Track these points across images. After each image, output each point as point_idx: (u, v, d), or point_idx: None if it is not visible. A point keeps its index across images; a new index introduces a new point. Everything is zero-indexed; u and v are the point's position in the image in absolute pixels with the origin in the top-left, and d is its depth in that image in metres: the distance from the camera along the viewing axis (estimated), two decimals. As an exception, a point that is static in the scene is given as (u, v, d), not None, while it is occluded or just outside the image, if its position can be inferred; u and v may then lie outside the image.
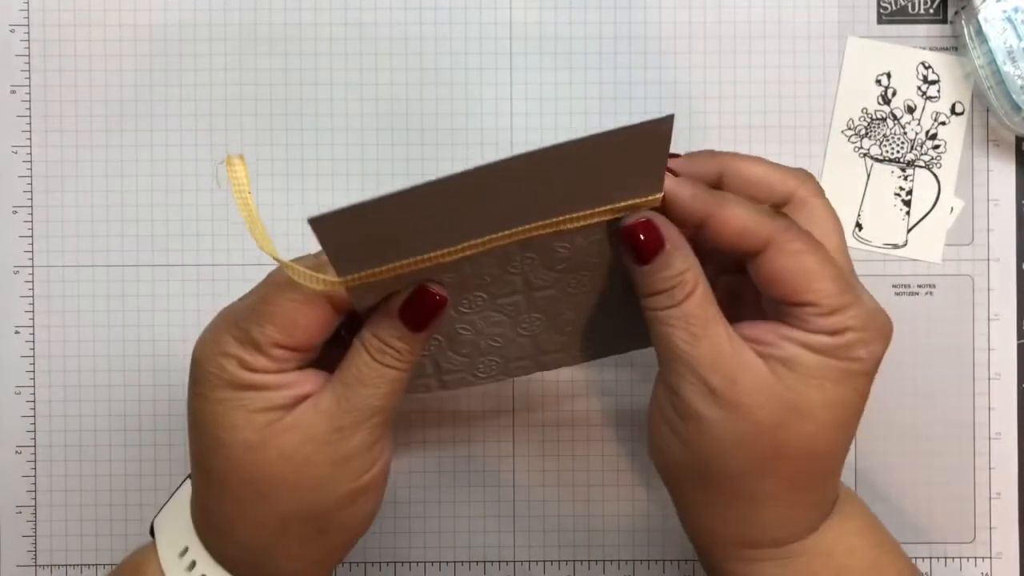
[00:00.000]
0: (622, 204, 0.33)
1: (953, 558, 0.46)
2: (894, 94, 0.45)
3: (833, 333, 0.33)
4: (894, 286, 0.45)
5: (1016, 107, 0.43)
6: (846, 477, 0.37)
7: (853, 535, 0.36)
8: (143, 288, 0.45)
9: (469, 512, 0.46)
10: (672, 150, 0.32)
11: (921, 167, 0.45)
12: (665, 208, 0.33)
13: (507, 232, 0.32)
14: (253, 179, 0.44)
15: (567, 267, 0.34)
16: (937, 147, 0.45)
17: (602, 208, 0.32)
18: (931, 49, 0.45)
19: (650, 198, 0.33)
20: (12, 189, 0.45)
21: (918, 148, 0.45)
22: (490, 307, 0.35)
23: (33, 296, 0.45)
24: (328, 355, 0.35)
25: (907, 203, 0.45)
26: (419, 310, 0.33)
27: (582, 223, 0.33)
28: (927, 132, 0.45)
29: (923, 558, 0.45)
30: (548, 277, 0.34)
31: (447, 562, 0.46)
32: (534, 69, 0.45)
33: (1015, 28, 0.43)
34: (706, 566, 0.38)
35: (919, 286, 0.45)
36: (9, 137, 0.45)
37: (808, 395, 0.33)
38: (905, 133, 0.45)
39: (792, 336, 0.33)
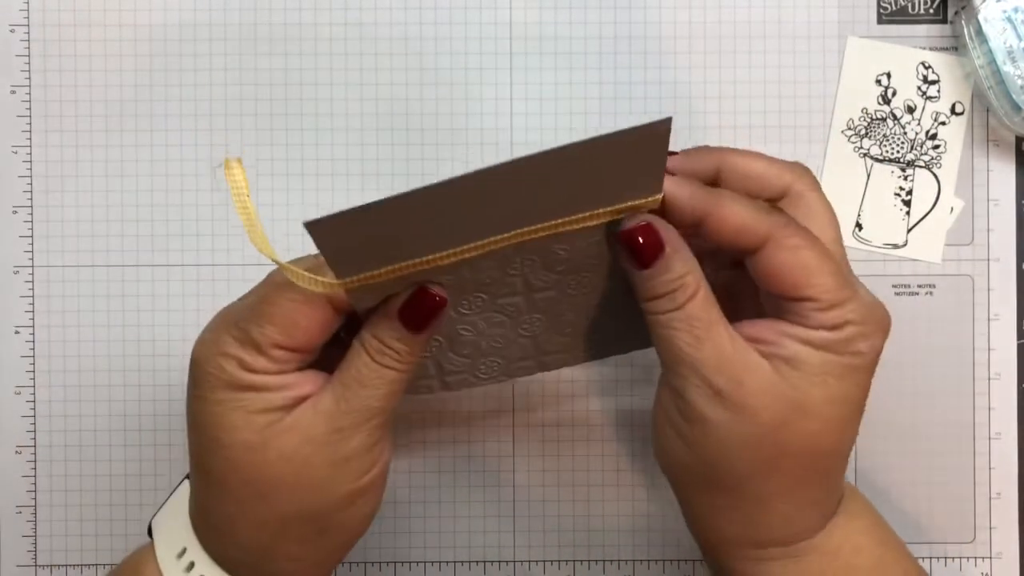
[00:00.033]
0: (622, 206, 0.33)
1: (953, 558, 0.46)
2: (894, 94, 0.45)
3: (833, 328, 0.33)
4: (894, 286, 0.45)
5: (1016, 107, 0.43)
6: (846, 477, 0.37)
7: (859, 534, 0.36)
8: (143, 288, 0.45)
9: (469, 512, 0.46)
10: (671, 149, 0.32)
11: (921, 167, 0.45)
12: (663, 208, 0.33)
13: (506, 235, 0.32)
14: (253, 179, 0.45)
15: (567, 269, 0.34)
16: (937, 147, 0.45)
17: (601, 210, 0.32)
18: (931, 49, 0.45)
19: (650, 199, 0.33)
20: (12, 189, 0.45)
21: (918, 148, 0.45)
22: (490, 308, 0.35)
23: (33, 296, 0.45)
24: (327, 356, 0.34)
25: (907, 203, 0.45)
26: (418, 311, 0.33)
27: (581, 225, 0.33)
28: (927, 132, 0.45)
29: (923, 558, 0.45)
30: (548, 279, 0.34)
31: (447, 562, 0.46)
32: (534, 69, 0.45)
33: (1015, 28, 0.43)
34: (712, 566, 0.38)
35: (919, 286, 0.45)
36: (9, 137, 0.45)
37: (812, 393, 0.33)
38: (905, 133, 0.45)
39: (793, 333, 0.33)
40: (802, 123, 0.45)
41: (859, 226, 0.45)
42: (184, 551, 0.36)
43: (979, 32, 0.43)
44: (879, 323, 0.34)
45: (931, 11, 0.45)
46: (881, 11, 0.45)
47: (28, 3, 0.45)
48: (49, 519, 0.45)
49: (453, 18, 0.45)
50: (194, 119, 0.45)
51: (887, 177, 0.45)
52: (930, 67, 0.45)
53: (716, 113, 0.45)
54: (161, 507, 0.38)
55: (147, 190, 0.45)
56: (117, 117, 0.45)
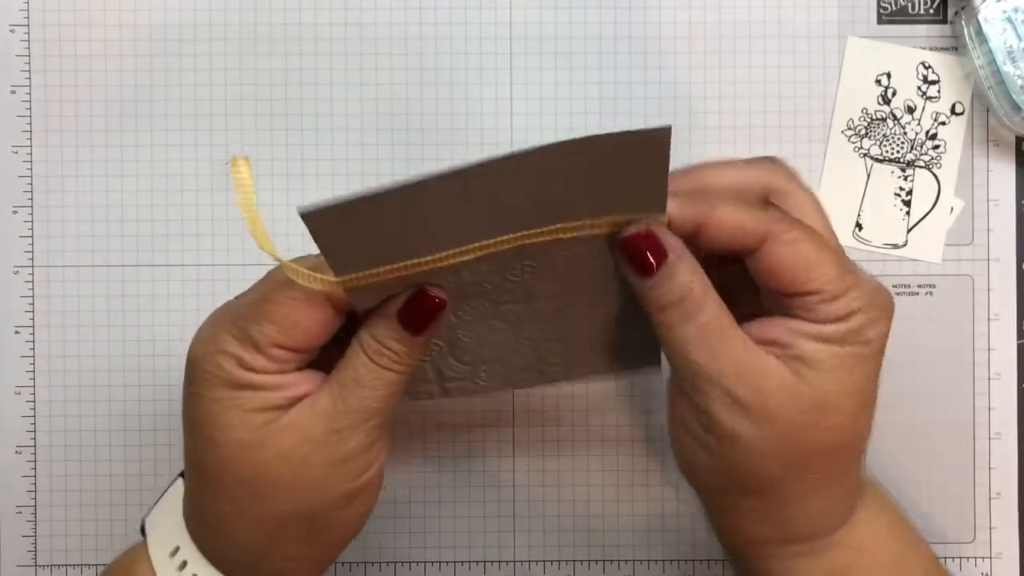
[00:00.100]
0: (622, 218, 0.32)
1: (953, 558, 0.46)
2: (894, 94, 0.45)
3: (841, 319, 0.33)
4: (894, 286, 0.45)
5: (1016, 107, 0.43)
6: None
7: (883, 529, 0.36)
8: (143, 288, 0.45)
9: (469, 512, 0.46)
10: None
11: (921, 167, 0.45)
12: None
13: (504, 238, 0.32)
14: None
15: (568, 278, 0.34)
16: (937, 147, 0.45)
17: (602, 219, 0.32)
18: (931, 49, 0.45)
19: (654, 217, 0.32)
20: (12, 189, 0.45)
21: (918, 148, 0.45)
22: (491, 315, 0.35)
23: (33, 296, 0.45)
24: (325, 356, 0.34)
25: (907, 203, 0.45)
26: (417, 313, 0.33)
27: (581, 233, 0.32)
28: (927, 132, 0.45)
29: (923, 558, 0.46)
30: (549, 288, 0.34)
31: (447, 562, 0.46)
32: (534, 69, 0.45)
33: (1015, 28, 0.43)
34: (738, 565, 0.37)
35: (919, 286, 0.45)
36: (9, 137, 0.45)
37: (830, 389, 0.33)
38: (905, 133, 0.45)
39: (803, 330, 0.33)
40: (802, 123, 0.45)
41: (859, 226, 0.45)
42: (177, 550, 0.36)
43: (979, 32, 0.43)
44: (884, 307, 0.34)
45: (931, 11, 0.45)
46: (881, 11, 0.45)
47: (28, 3, 0.45)
48: (49, 519, 0.45)
49: (453, 18, 0.45)
50: (194, 119, 0.45)
51: (887, 177, 0.45)
52: (930, 67, 0.45)
53: (716, 113, 0.45)
54: (154, 505, 0.38)
55: (147, 190, 0.45)
56: (117, 117, 0.45)
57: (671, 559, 0.46)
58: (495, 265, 0.33)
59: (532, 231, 0.32)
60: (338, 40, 0.45)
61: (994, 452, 0.45)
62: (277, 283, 0.33)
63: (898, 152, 0.45)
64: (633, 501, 0.46)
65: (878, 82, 0.45)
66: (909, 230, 0.46)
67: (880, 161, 0.45)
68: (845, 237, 0.45)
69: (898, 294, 0.45)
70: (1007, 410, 0.45)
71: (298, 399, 0.34)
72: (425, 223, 0.31)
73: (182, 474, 0.38)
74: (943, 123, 0.45)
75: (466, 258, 0.32)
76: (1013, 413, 0.46)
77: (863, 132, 0.45)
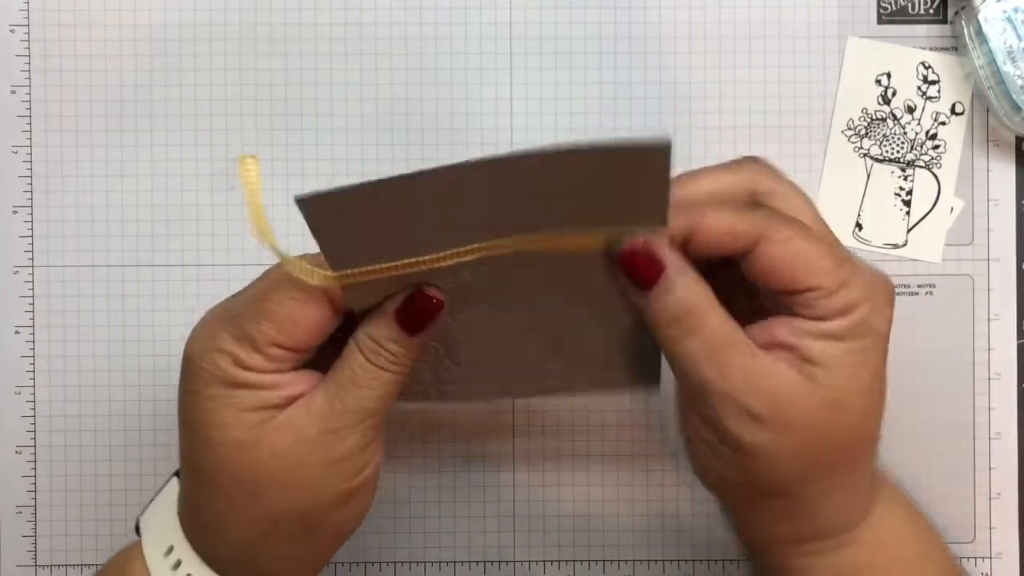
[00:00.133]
0: (621, 230, 0.32)
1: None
2: (894, 94, 0.45)
3: (843, 312, 0.32)
4: (894, 286, 0.45)
5: (1016, 107, 0.43)
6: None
7: (903, 526, 0.36)
8: (143, 288, 0.45)
9: (469, 512, 0.46)
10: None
11: (921, 167, 0.45)
12: None
13: (501, 241, 0.31)
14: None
15: (568, 290, 0.33)
16: (937, 147, 0.45)
17: (600, 230, 0.32)
18: (931, 49, 0.45)
19: (654, 228, 0.32)
20: (12, 189, 0.45)
21: (918, 148, 0.45)
22: (490, 321, 0.34)
23: (33, 296, 0.45)
24: (320, 356, 0.34)
25: (907, 203, 0.45)
26: (415, 313, 0.33)
27: (579, 244, 0.32)
28: (927, 132, 0.45)
29: (923, 558, 0.46)
30: (549, 298, 0.34)
31: (447, 562, 0.46)
32: (534, 69, 0.45)
33: (1015, 28, 0.43)
34: (757, 562, 0.37)
35: (919, 286, 0.45)
36: (9, 137, 0.45)
37: (842, 386, 0.33)
38: (905, 133, 0.45)
39: (807, 329, 0.32)
40: (802, 123, 0.45)
41: (859, 226, 0.45)
42: (171, 549, 0.36)
43: (979, 32, 0.43)
44: (885, 294, 0.34)
45: (931, 11, 0.45)
46: (881, 11, 0.45)
47: (28, 3, 0.45)
48: (49, 519, 0.45)
49: (453, 18, 0.45)
50: (194, 119, 0.45)
51: (887, 177, 0.45)
52: (930, 67, 0.45)
53: (716, 113, 0.45)
54: (149, 504, 0.38)
55: (147, 190, 0.45)
56: (117, 117, 0.45)
57: (671, 559, 0.46)
58: (495, 270, 0.32)
59: (530, 236, 0.31)
60: (338, 40, 0.45)
61: (994, 452, 0.45)
62: (276, 282, 0.33)
63: (898, 152, 0.45)
64: (633, 501, 0.46)
65: (878, 82, 0.45)
66: (909, 230, 0.46)
67: (880, 161, 0.45)
68: (845, 237, 0.45)
69: (898, 294, 0.45)
70: (1007, 410, 0.45)
71: (294, 399, 0.34)
72: (423, 219, 0.30)
73: (176, 473, 0.38)
74: (943, 123, 0.45)
75: (464, 259, 0.32)
76: (1013, 413, 0.46)
77: (863, 132, 0.45)
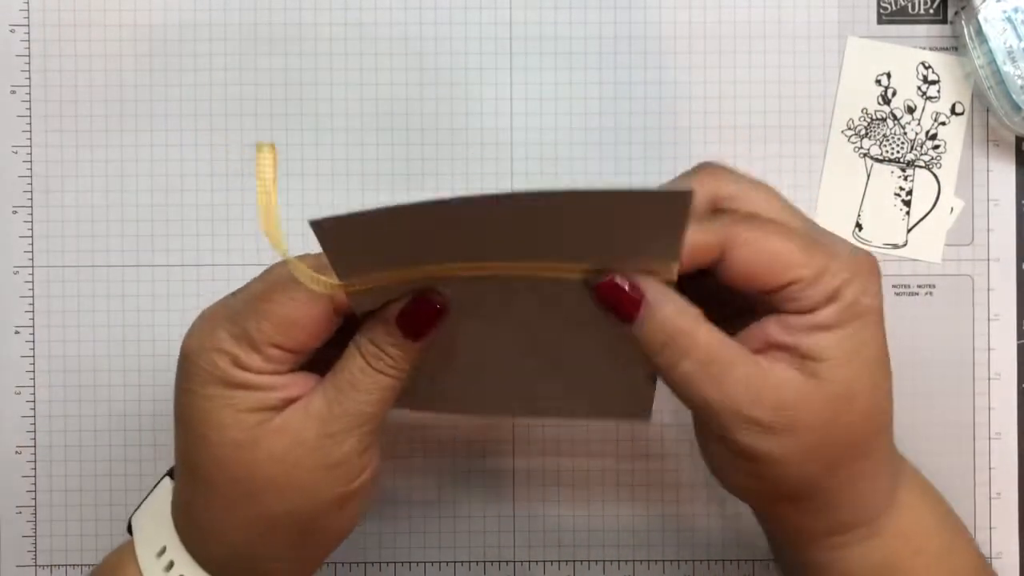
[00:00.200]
0: (626, 265, 0.32)
1: (953, 558, 0.46)
2: (894, 94, 0.45)
3: (831, 299, 0.32)
4: (894, 286, 0.45)
5: (1016, 107, 0.43)
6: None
7: (928, 515, 0.36)
8: (143, 288, 0.45)
9: (469, 512, 0.46)
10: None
11: (921, 167, 0.45)
12: None
13: (509, 263, 0.31)
14: (253, 179, 0.44)
15: (567, 315, 0.33)
16: (937, 147, 0.45)
17: (610, 266, 0.32)
18: (931, 49, 0.45)
19: (663, 268, 0.32)
20: (12, 189, 0.45)
21: (918, 148, 0.45)
22: (490, 339, 0.34)
23: (33, 296, 0.45)
24: (316, 358, 0.34)
25: (907, 203, 0.45)
26: (417, 318, 0.32)
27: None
28: (927, 132, 0.45)
29: (923, 558, 0.45)
30: (551, 323, 0.33)
31: (447, 562, 0.46)
32: (534, 69, 0.45)
33: (1015, 28, 0.43)
34: (786, 559, 0.37)
35: (919, 286, 0.45)
36: (9, 137, 0.45)
37: (845, 377, 0.32)
38: (905, 133, 0.45)
39: (798, 324, 0.32)
40: (802, 123, 0.45)
41: (859, 226, 0.45)
42: (164, 550, 0.35)
43: (979, 32, 0.43)
44: (869, 269, 0.33)
45: (931, 11, 0.45)
46: (881, 11, 0.45)
47: (28, 3, 0.45)
48: (49, 519, 0.45)
49: (453, 18, 0.45)
50: (194, 119, 0.45)
51: (887, 177, 0.45)
52: (930, 67, 0.45)
53: (716, 113, 0.45)
54: (141, 504, 0.38)
55: (147, 190, 0.45)
56: (117, 117, 0.45)
57: (671, 559, 0.46)
58: (498, 289, 0.32)
59: (537, 263, 0.31)
60: (338, 40, 0.45)
61: (994, 452, 0.45)
62: (277, 282, 0.33)
63: (898, 152, 0.45)
64: (633, 501, 0.46)
65: (878, 82, 0.45)
66: (909, 230, 0.46)
67: (880, 161, 0.45)
68: (845, 237, 0.45)
69: (898, 294, 0.45)
70: (1007, 410, 0.45)
71: (291, 401, 0.33)
72: (433, 241, 0.30)
73: (169, 473, 0.37)
74: (943, 123, 0.45)
75: (470, 274, 0.32)
76: (1013, 413, 0.46)
77: (863, 132, 0.45)
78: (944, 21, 0.45)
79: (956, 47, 0.45)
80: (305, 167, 0.45)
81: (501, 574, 0.46)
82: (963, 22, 0.44)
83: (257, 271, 0.35)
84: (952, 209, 0.46)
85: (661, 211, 0.30)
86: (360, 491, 0.35)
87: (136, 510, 0.38)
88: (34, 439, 0.45)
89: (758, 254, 0.32)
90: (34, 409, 0.45)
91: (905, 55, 0.45)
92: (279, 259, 0.32)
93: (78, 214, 0.45)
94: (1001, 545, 0.46)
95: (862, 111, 0.45)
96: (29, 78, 0.45)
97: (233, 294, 0.35)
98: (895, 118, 0.45)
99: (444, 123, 0.45)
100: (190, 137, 0.45)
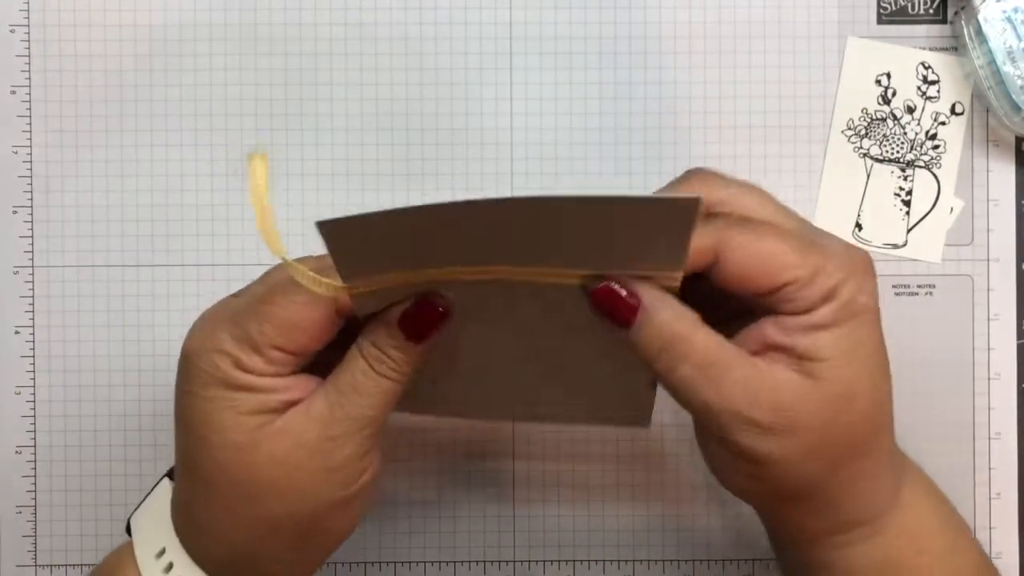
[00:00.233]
0: (631, 271, 0.32)
1: (953, 558, 0.46)
2: (894, 94, 0.45)
3: (827, 299, 0.32)
4: (894, 286, 0.45)
5: (1016, 107, 0.43)
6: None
7: (931, 514, 0.36)
8: (143, 288, 0.45)
9: (469, 512, 0.46)
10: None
11: (921, 167, 0.45)
12: None
13: (513, 268, 0.31)
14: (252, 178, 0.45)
15: (571, 321, 0.33)
16: (937, 147, 0.45)
17: (613, 272, 0.32)
18: (931, 49, 0.45)
19: (668, 274, 0.32)
20: (12, 189, 0.45)
21: (918, 148, 0.45)
22: (492, 343, 0.34)
23: (33, 296, 0.45)
24: (316, 360, 0.34)
25: (907, 203, 0.45)
26: (419, 320, 0.32)
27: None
28: (927, 132, 0.45)
29: (923, 558, 0.45)
30: (551, 327, 0.33)
31: (447, 562, 0.46)
32: (534, 69, 0.45)
33: (1015, 28, 0.43)
34: (788, 558, 0.37)
35: (919, 286, 0.45)
36: (9, 137, 0.45)
37: (844, 376, 0.32)
38: (905, 133, 0.45)
39: (795, 325, 0.32)
40: (802, 123, 0.45)
41: (859, 226, 0.45)
42: (163, 551, 0.35)
43: (979, 32, 0.43)
44: (864, 267, 0.33)
45: (931, 11, 0.45)
46: (881, 11, 0.45)
47: (28, 3, 0.45)
48: (49, 519, 0.45)
49: (453, 18, 0.45)
50: (194, 119, 0.45)
51: (887, 177, 0.45)
52: (930, 67, 0.45)
53: (716, 113, 0.45)
54: (140, 504, 0.38)
55: (147, 190, 0.45)
56: (117, 117, 0.45)
57: (671, 559, 0.46)
58: (501, 294, 0.32)
59: (540, 268, 0.31)
60: (338, 40, 0.45)
61: (994, 452, 0.45)
62: (279, 284, 0.33)
63: (898, 152, 0.45)
64: (633, 501, 0.46)
65: (878, 82, 0.45)
66: (909, 230, 0.46)
67: (880, 161, 0.45)
68: (845, 237, 0.45)
69: (898, 294, 0.45)
70: (1007, 410, 0.45)
71: (292, 403, 0.33)
72: (437, 244, 0.30)
73: (168, 474, 0.37)
74: (943, 123, 0.45)
75: (474, 278, 0.31)
76: (1013, 413, 0.46)
77: (863, 132, 0.45)
78: (944, 21, 0.45)
79: (956, 47, 0.45)
80: (305, 167, 0.45)
81: (501, 574, 0.46)
82: (963, 22, 0.44)
83: (257, 271, 0.35)
84: (952, 209, 0.46)
85: (668, 218, 0.30)
86: (360, 494, 0.34)
87: (135, 511, 0.38)
88: (34, 439, 0.45)
89: (752, 257, 0.32)
90: (34, 409, 0.45)
91: (905, 55, 0.45)
92: (279, 260, 0.32)
93: (78, 214, 0.45)
94: (1001, 545, 0.46)
95: (862, 111, 0.45)
96: (29, 78, 0.45)
97: (234, 295, 0.35)
98: (895, 118, 0.45)
99: (444, 123, 0.45)
100: (190, 137, 0.45)
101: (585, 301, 0.32)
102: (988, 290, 0.45)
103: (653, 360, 0.32)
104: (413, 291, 0.32)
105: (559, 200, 0.29)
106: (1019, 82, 0.43)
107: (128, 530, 0.37)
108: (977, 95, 0.45)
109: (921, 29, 0.45)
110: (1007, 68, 0.43)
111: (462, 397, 0.37)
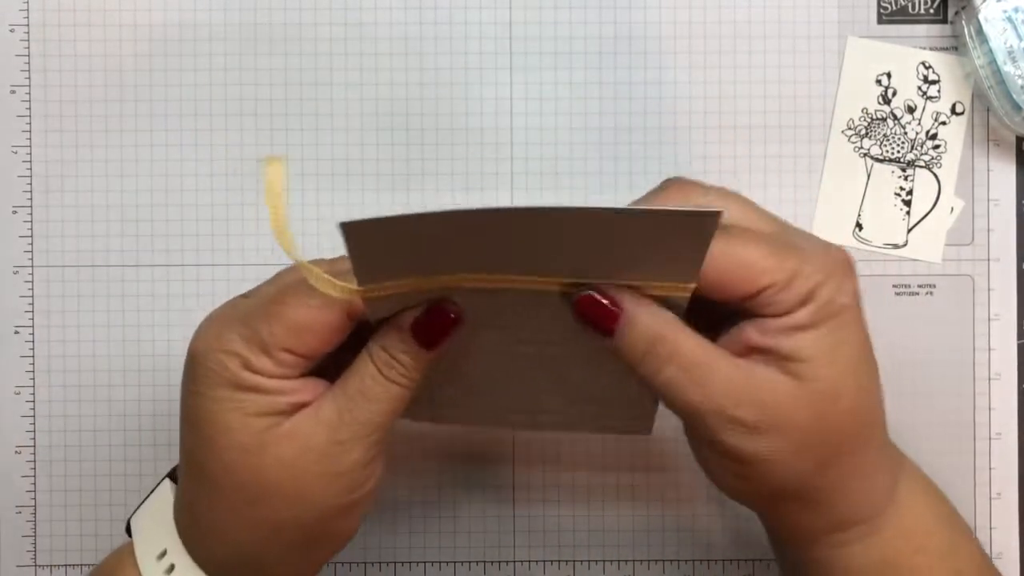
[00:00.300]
0: (644, 284, 0.32)
1: (953, 558, 0.46)
2: (894, 94, 0.45)
3: (806, 300, 0.32)
4: (894, 286, 0.45)
5: (1016, 107, 0.43)
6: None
7: (929, 513, 0.36)
8: (143, 288, 0.45)
9: (469, 512, 0.46)
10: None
11: (921, 167, 0.45)
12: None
13: (523, 277, 0.31)
14: (252, 180, 0.45)
15: (577, 330, 0.33)
16: (937, 147, 0.45)
17: (625, 282, 0.32)
18: (931, 49, 0.45)
19: (680, 285, 0.32)
20: (12, 189, 0.45)
21: (918, 148, 0.45)
22: (501, 351, 0.34)
23: (33, 296, 0.45)
24: (323, 363, 0.34)
25: (907, 203, 0.45)
26: (431, 327, 0.32)
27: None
28: (927, 132, 0.45)
29: (923, 558, 0.45)
30: (557, 336, 0.33)
31: (447, 562, 0.46)
32: (534, 69, 0.45)
33: (1015, 28, 0.43)
34: (787, 557, 0.37)
35: (919, 286, 0.45)
36: (9, 137, 0.45)
37: (827, 375, 0.32)
38: (905, 133, 0.45)
39: (776, 327, 0.32)
40: (802, 123, 0.45)
41: (859, 226, 0.45)
42: (165, 552, 0.35)
43: (979, 32, 0.43)
44: (843, 267, 0.33)
45: (931, 11, 0.45)
46: (881, 11, 0.45)
47: (28, 3, 0.45)
48: (49, 519, 0.45)
49: (453, 18, 0.45)
50: (194, 119, 0.45)
51: (887, 177, 0.45)
52: (930, 67, 0.45)
53: (716, 113, 0.45)
54: (140, 505, 0.38)
55: (147, 190, 0.45)
56: (117, 117, 0.45)
57: (671, 559, 0.46)
58: (511, 302, 0.32)
59: (554, 278, 0.31)
60: (338, 40, 0.45)
61: (994, 452, 0.45)
62: (291, 286, 0.33)
63: (898, 152, 0.45)
64: (633, 501, 0.46)
65: (878, 82, 0.45)
66: (909, 230, 0.46)
67: (880, 161, 0.45)
68: (845, 237, 0.45)
69: (898, 294, 0.45)
70: (1007, 410, 0.45)
71: (300, 406, 0.33)
72: (452, 250, 0.30)
73: (170, 475, 0.37)
74: (943, 123, 0.45)
75: (485, 285, 0.31)
76: (1013, 413, 0.46)
77: (863, 132, 0.45)
78: (944, 21, 0.45)
79: (956, 47, 0.45)
80: (305, 167, 0.45)
81: (501, 574, 0.46)
82: (963, 22, 0.44)
83: (257, 271, 0.35)
84: (952, 209, 0.46)
85: (685, 231, 0.30)
86: (363, 501, 0.34)
87: (135, 511, 0.38)
88: (34, 439, 0.45)
89: (729, 263, 0.32)
90: (34, 409, 0.45)
91: (905, 55, 0.45)
92: (284, 260, 0.32)
93: (78, 214, 0.45)
94: (1001, 545, 0.46)
95: (862, 111, 0.45)
96: (29, 78, 0.45)
97: (243, 296, 0.34)
98: (895, 118, 0.45)
99: (444, 123, 0.45)
100: (190, 137, 0.45)
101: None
102: (988, 290, 0.45)
103: (638, 364, 0.32)
104: (425, 297, 0.32)
105: (579, 211, 0.29)
106: (1019, 82, 0.43)
107: (128, 531, 0.37)
108: (978, 95, 0.45)
109: (921, 29, 0.45)
110: (1007, 68, 0.43)
111: (464, 405, 0.37)
